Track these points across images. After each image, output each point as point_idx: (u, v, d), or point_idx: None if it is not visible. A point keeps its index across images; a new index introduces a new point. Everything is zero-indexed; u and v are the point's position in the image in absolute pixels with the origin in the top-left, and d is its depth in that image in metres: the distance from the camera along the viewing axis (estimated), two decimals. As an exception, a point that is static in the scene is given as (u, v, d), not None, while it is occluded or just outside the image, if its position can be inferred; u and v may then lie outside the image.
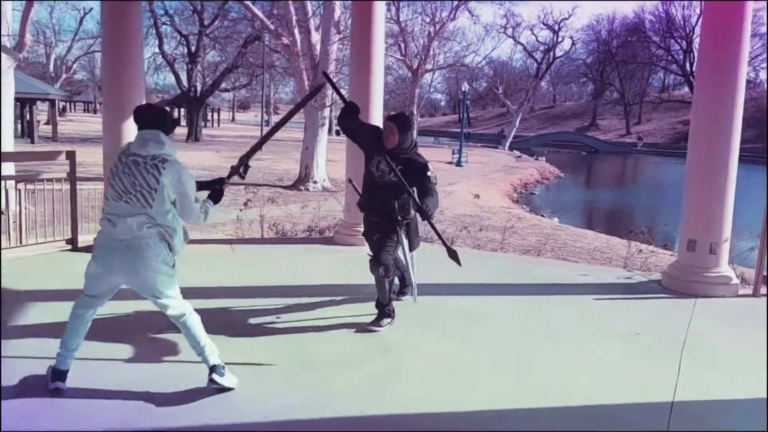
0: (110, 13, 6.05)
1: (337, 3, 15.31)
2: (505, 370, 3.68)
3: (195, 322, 3.18)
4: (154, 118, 3.09)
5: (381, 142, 4.10)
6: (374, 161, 4.13)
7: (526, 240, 10.35)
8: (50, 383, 3.12)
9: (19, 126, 29.79)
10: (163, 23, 33.12)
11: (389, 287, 4.19)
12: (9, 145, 10.90)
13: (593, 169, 42.46)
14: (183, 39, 34.42)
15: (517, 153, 39.52)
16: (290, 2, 15.39)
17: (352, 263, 6.15)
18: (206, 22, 32.69)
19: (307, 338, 4.02)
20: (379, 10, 6.82)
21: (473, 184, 21.16)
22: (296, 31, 15.24)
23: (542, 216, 16.72)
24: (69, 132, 34.10)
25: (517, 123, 45.28)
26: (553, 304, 5.05)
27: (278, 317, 4.27)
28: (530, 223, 13.18)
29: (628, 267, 6.87)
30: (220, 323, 4.17)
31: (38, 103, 30.04)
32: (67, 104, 51.32)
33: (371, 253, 4.20)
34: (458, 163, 28.94)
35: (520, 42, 50.36)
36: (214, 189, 3.36)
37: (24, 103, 28.20)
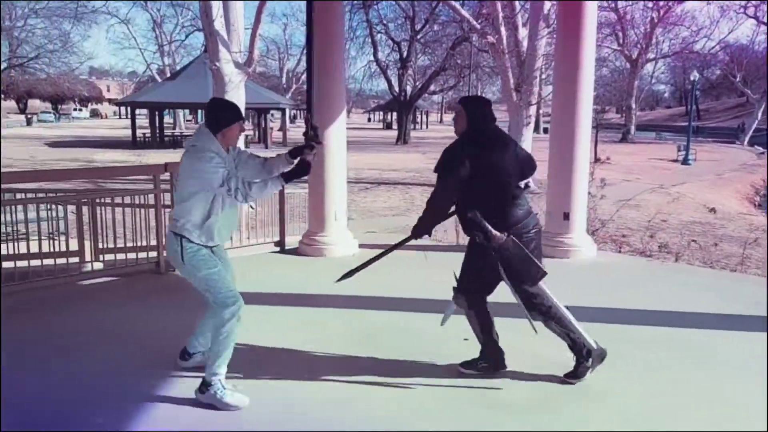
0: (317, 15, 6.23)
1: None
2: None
3: (227, 330, 3.10)
4: (205, 113, 3.18)
5: None
6: None
7: (773, 255, 8.65)
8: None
9: (256, 133, 33.62)
10: (378, 32, 34.84)
11: (561, 327, 3.36)
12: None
13: None
14: (395, 46, 35.85)
15: (760, 149, 34.08)
16: (497, 0, 14.94)
17: (553, 279, 5.58)
18: (417, 28, 33.63)
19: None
20: (591, 9, 6.06)
21: (704, 185, 18.65)
22: (502, 29, 14.75)
23: (794, 225, 14.03)
24: (298, 138, 37.51)
25: (760, 114, 39.21)
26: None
27: (466, 339, 3.92)
28: (779, 234, 11.08)
29: None
30: (397, 340, 3.96)
31: (272, 112, 33.55)
32: (298, 112, 56.57)
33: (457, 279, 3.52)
34: (685, 161, 25.88)
35: (764, 22, 43.50)
36: (301, 163, 3.20)
37: (260, 112, 31.65)
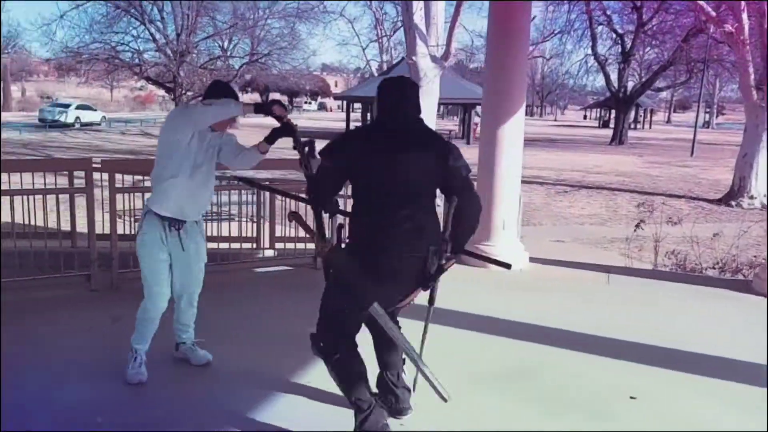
0: (497, 11, 5.73)
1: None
2: None
3: (145, 316, 3.06)
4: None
5: None
6: None
7: None
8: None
9: (461, 128, 33.54)
10: (599, 24, 32.44)
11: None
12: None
13: None
14: (618, 38, 33.14)
15: None
16: (741, -19, 12.75)
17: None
18: (644, 18, 30.67)
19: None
20: None
21: None
22: (744, 15, 12.56)
23: None
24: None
25: None
26: None
27: (633, 398, 3.15)
28: None
29: None
30: (552, 385, 3.30)
31: (478, 107, 33.25)
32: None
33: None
34: None
35: None
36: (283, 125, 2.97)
37: (465, 107, 31.48)
